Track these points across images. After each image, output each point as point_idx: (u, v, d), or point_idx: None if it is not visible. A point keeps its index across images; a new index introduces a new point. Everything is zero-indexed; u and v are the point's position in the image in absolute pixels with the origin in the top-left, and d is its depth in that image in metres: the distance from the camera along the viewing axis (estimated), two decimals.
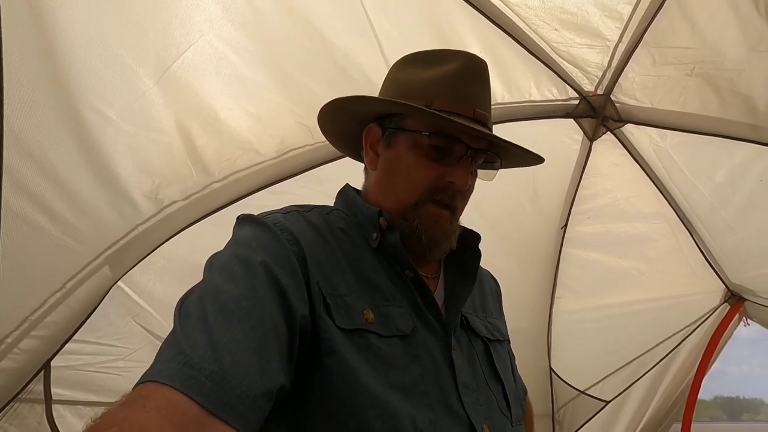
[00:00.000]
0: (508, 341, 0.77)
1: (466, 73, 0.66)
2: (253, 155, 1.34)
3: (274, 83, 1.22)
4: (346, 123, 0.73)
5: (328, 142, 0.79)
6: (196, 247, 1.37)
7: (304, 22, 1.17)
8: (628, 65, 1.37)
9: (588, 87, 1.50)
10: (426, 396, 0.57)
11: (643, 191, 1.82)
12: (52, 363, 1.24)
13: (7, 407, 1.19)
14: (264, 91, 1.21)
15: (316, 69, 1.23)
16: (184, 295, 0.53)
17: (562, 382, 2.24)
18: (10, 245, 1.00)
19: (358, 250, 0.64)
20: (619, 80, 1.43)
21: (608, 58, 1.37)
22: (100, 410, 0.40)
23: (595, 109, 1.52)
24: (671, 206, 1.82)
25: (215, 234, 1.48)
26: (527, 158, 0.73)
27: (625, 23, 1.28)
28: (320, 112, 0.72)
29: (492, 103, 1.54)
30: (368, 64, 1.27)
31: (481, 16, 1.27)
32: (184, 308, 0.51)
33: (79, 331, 1.26)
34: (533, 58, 1.36)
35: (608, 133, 1.62)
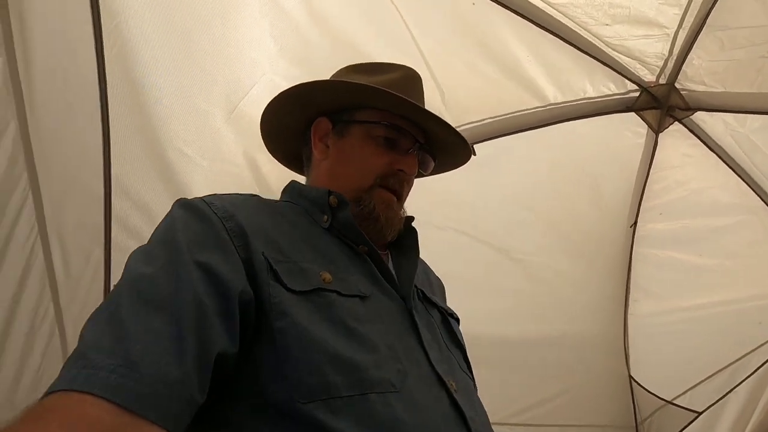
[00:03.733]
0: (458, 321, 0.78)
1: (408, 81, 0.74)
2: None
3: None
4: (291, 118, 0.76)
5: None
6: None
7: (349, 47, 1.23)
8: (692, 52, 1.28)
9: (649, 77, 1.42)
10: (392, 350, 0.55)
11: (721, 181, 1.67)
12: None
13: None
14: None
15: None
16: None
17: (644, 391, 2.09)
18: (117, 276, 1.14)
19: (310, 230, 0.65)
20: (683, 68, 1.34)
21: (669, 46, 1.30)
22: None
23: (658, 99, 1.43)
24: (756, 193, 1.65)
25: None
26: (460, 157, 0.79)
27: (684, 8, 1.20)
28: (273, 102, 0.75)
29: (545, 104, 1.51)
30: None
31: (523, 19, 1.26)
32: (98, 308, 0.48)
33: None
34: (585, 56, 1.33)
35: (676, 123, 1.52)
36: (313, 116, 0.74)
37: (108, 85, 0.89)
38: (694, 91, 1.42)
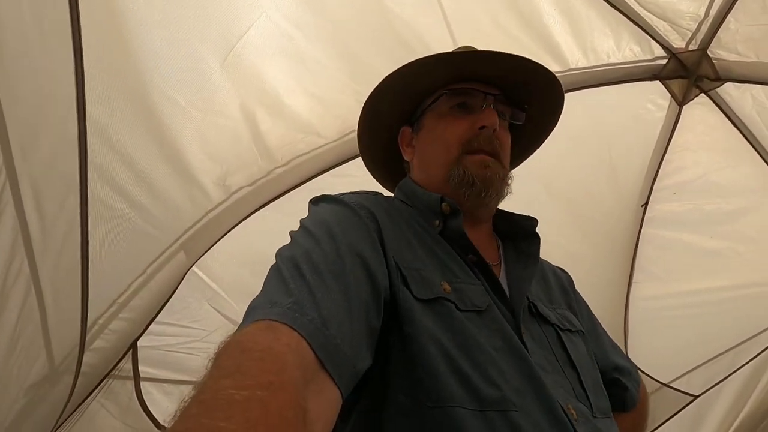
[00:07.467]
0: (583, 332, 0.72)
1: (468, 47, 0.74)
2: (314, 138, 1.32)
3: (336, 60, 1.19)
4: (382, 142, 0.79)
5: None
6: (262, 233, 1.39)
7: None
8: (730, 13, 1.19)
9: (678, 43, 1.32)
10: (505, 371, 0.55)
11: (741, 161, 1.60)
12: (139, 343, 1.31)
13: (102, 384, 1.28)
14: (326, 69, 1.18)
15: (379, 44, 1.18)
16: (274, 264, 0.53)
17: (641, 373, 2.07)
18: (96, 233, 1.05)
19: (426, 236, 0.65)
20: (718, 33, 1.25)
21: (705, 7, 1.20)
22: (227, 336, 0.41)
23: (687, 67, 1.34)
24: None
25: (279, 221, 1.49)
26: (553, 96, 0.74)
27: None
28: (359, 138, 0.80)
29: (565, 68, 1.41)
30: (432, 37, 1.20)
31: None
32: (276, 268, 0.52)
33: (161, 314, 1.32)
34: (614, 11, 1.22)
35: (702, 95, 1.43)
36: (398, 129, 0.78)
37: (79, 3, 0.77)
38: (725, 60, 1.33)
